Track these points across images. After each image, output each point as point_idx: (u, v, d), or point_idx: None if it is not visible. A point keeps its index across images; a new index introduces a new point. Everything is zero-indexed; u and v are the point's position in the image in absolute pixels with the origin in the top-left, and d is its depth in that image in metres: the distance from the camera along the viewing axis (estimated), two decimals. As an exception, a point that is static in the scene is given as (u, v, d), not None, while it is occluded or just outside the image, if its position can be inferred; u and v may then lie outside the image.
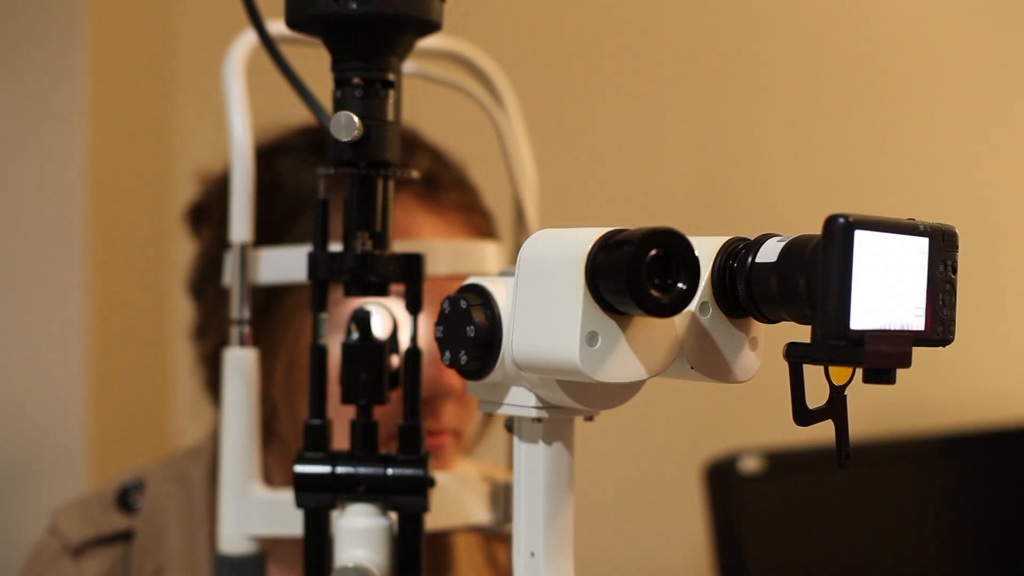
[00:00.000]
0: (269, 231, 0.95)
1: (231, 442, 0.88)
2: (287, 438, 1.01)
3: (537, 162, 1.02)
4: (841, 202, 1.66)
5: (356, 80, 0.72)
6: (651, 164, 1.72)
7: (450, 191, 1.04)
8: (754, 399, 1.45)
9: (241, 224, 0.89)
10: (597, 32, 1.73)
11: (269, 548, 0.98)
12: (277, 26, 0.77)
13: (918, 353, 0.59)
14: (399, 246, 0.82)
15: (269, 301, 0.99)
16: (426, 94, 1.04)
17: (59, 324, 1.48)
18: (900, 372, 0.59)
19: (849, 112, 1.72)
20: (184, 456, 1.11)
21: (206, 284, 1.07)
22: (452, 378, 0.95)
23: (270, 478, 0.96)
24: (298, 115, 0.94)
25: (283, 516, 0.85)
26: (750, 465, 1.34)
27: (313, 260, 0.76)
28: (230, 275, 0.90)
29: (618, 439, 1.56)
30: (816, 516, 1.39)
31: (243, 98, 0.89)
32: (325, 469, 0.75)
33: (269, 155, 1.02)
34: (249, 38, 0.90)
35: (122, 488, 1.08)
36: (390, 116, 0.73)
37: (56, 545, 1.05)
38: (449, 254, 0.95)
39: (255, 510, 0.87)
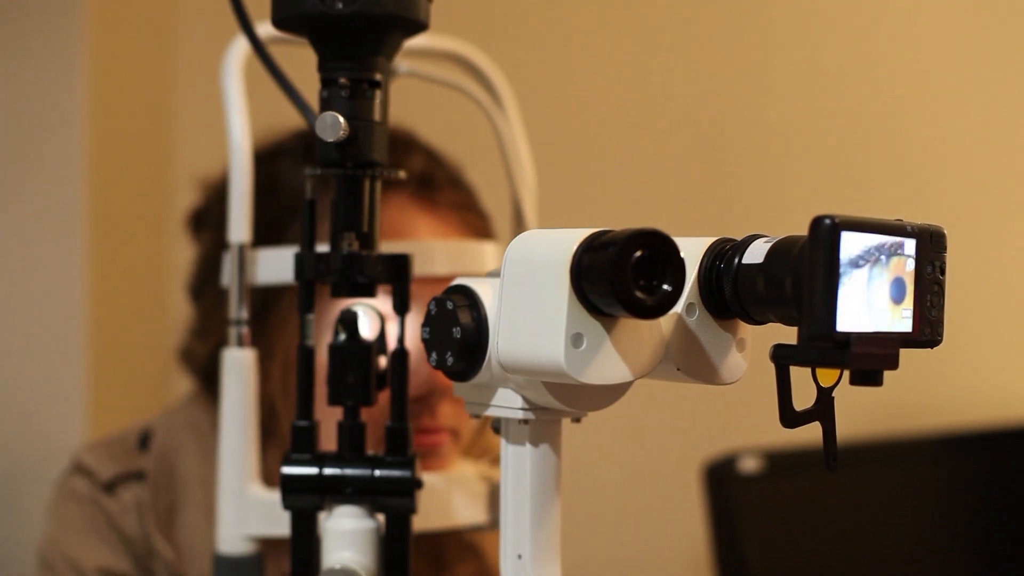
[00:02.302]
0: (267, 232, 0.95)
1: (230, 442, 0.88)
2: (287, 438, 1.01)
3: (536, 162, 1.01)
4: (829, 203, 1.66)
5: (343, 80, 0.72)
6: (649, 165, 1.72)
7: (445, 191, 1.04)
8: (753, 399, 1.44)
9: (239, 225, 0.89)
10: (597, 32, 1.73)
11: (274, 546, 0.99)
12: (266, 27, 0.77)
13: (916, 354, 0.59)
14: (398, 246, 0.82)
15: (265, 302, 0.99)
16: (425, 94, 1.04)
17: (59, 324, 1.48)
18: (898, 372, 0.59)
19: (839, 112, 1.71)
20: (188, 406, 1.12)
21: (205, 287, 1.07)
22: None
23: (271, 478, 0.96)
24: (296, 117, 0.94)
25: (282, 517, 0.85)
26: (749, 465, 1.34)
27: (300, 261, 0.75)
28: (228, 276, 0.90)
29: (618, 439, 1.56)
30: (815, 516, 1.39)
31: (241, 99, 0.89)
32: (312, 471, 0.75)
33: (268, 157, 1.03)
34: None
35: (142, 432, 1.10)
36: (377, 116, 0.73)
37: (87, 483, 1.06)
38: (447, 254, 0.95)
39: (253, 511, 0.87)
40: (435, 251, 0.94)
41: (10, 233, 1.49)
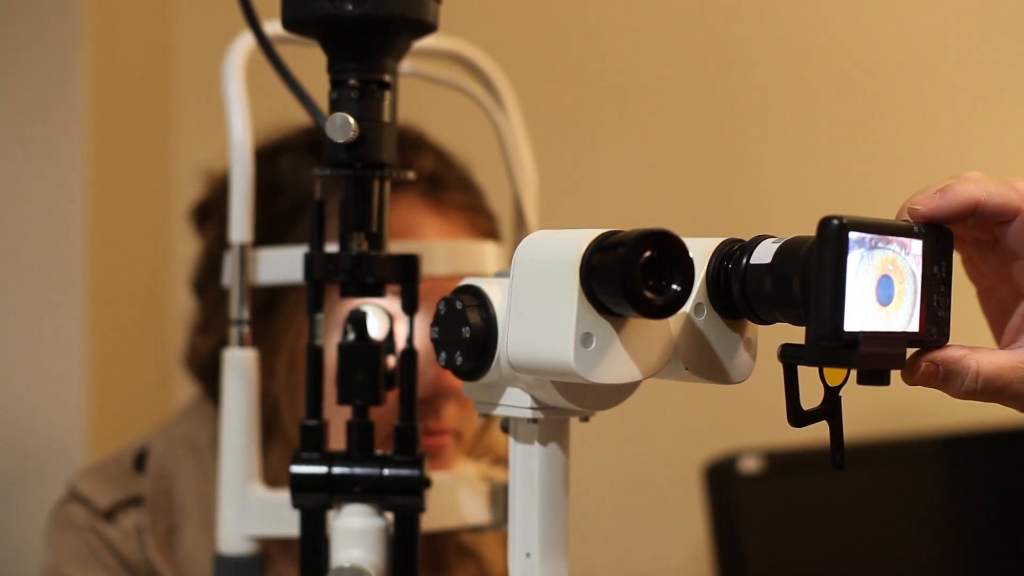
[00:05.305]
0: (271, 230, 0.95)
1: (231, 442, 0.88)
2: (291, 436, 1.01)
3: (537, 162, 1.02)
4: (836, 203, 1.66)
5: (352, 81, 0.72)
6: (650, 165, 1.72)
7: (454, 191, 1.04)
8: (754, 399, 1.45)
9: (240, 224, 0.89)
10: (597, 32, 1.73)
11: (282, 545, 0.99)
12: (274, 26, 0.77)
13: (917, 353, 0.60)
14: (400, 246, 0.82)
15: (271, 299, 0.99)
16: (429, 95, 1.04)
17: (59, 324, 1.48)
18: (896, 372, 0.59)
19: (845, 114, 1.72)
20: (185, 419, 1.11)
21: (209, 282, 1.07)
22: (453, 378, 0.95)
23: (276, 477, 0.97)
24: (299, 115, 0.95)
25: (282, 516, 0.86)
26: (750, 465, 1.34)
27: (309, 261, 0.76)
28: (229, 275, 0.90)
29: (618, 439, 1.56)
30: (816, 516, 1.39)
31: (243, 98, 0.89)
32: (321, 470, 0.75)
33: (271, 154, 1.03)
34: (248, 38, 0.90)
35: (138, 453, 1.09)
36: (386, 117, 0.73)
37: (85, 511, 1.05)
38: (448, 254, 0.95)
39: (254, 510, 0.87)
40: (436, 251, 0.94)
41: (10, 232, 1.48)
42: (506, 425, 0.71)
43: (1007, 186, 0.62)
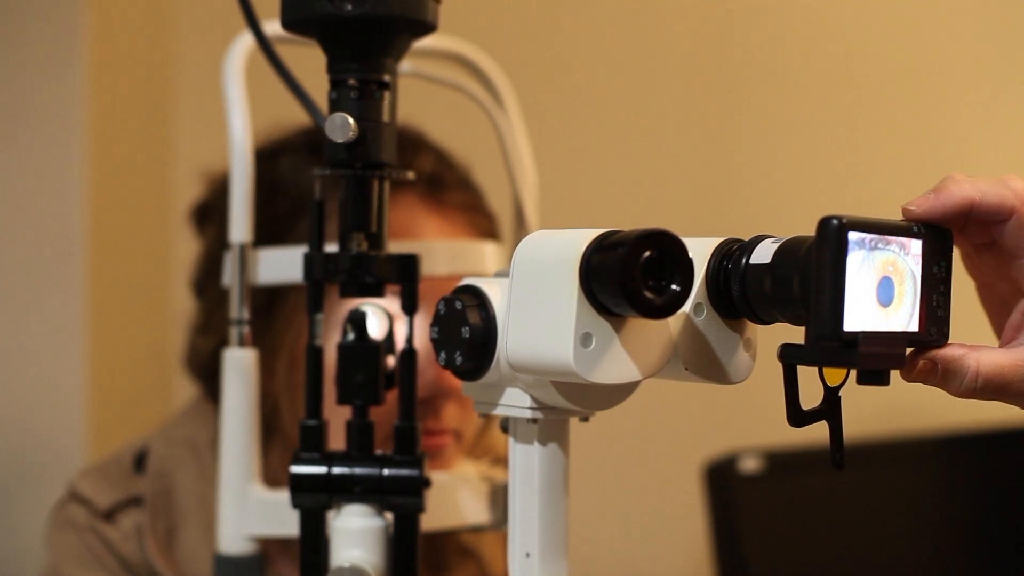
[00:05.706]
0: (271, 230, 0.95)
1: (231, 442, 0.88)
2: (291, 436, 1.01)
3: (537, 162, 1.02)
4: (836, 203, 1.66)
5: (351, 81, 0.72)
6: (650, 165, 1.72)
7: (454, 192, 1.04)
8: (753, 399, 1.45)
9: (240, 224, 0.89)
10: (597, 32, 1.73)
11: (282, 545, 0.98)
12: (274, 26, 0.77)
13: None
14: (400, 246, 0.82)
15: (271, 299, 0.99)
16: (429, 95, 1.04)
17: (59, 324, 1.48)
18: (896, 371, 0.59)
19: (845, 114, 1.72)
20: (184, 419, 1.12)
21: (209, 282, 1.07)
22: (453, 378, 0.95)
23: (276, 477, 0.97)
24: (299, 115, 0.95)
25: (282, 516, 0.86)
26: (749, 465, 1.34)
27: (309, 261, 0.76)
28: (229, 275, 0.91)
29: (618, 439, 1.56)
30: (816, 516, 1.39)
31: (243, 98, 0.89)
32: (321, 470, 0.75)
33: (271, 155, 1.03)
34: (248, 38, 0.90)
35: (137, 454, 1.09)
36: (386, 117, 0.73)
37: (85, 512, 1.05)
38: (448, 254, 0.95)
39: (254, 510, 0.87)
40: (435, 251, 0.94)
41: (10, 232, 1.48)
42: (506, 425, 0.71)
43: (1002, 185, 0.62)
